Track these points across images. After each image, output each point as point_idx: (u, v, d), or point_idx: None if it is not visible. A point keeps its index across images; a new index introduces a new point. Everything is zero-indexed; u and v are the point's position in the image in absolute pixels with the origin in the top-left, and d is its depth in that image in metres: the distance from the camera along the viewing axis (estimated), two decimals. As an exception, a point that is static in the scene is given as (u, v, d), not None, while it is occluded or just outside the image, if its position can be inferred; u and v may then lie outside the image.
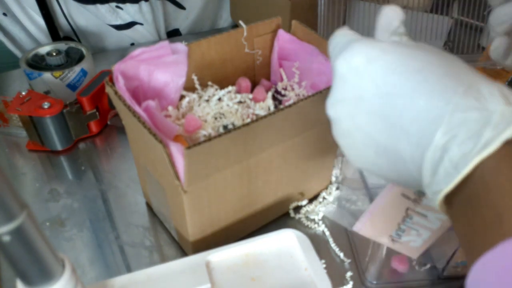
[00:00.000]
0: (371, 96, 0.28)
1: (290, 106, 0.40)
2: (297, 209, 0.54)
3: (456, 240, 0.45)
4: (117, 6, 0.79)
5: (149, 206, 0.55)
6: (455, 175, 0.25)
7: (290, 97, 0.53)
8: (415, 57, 0.28)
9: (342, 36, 0.32)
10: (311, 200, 0.55)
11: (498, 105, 0.25)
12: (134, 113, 0.40)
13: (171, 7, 0.86)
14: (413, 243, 0.39)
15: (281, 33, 0.54)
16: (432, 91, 0.26)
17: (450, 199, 0.27)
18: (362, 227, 0.38)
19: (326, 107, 0.32)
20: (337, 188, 0.57)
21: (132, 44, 0.88)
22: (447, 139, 0.25)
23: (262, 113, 0.51)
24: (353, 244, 0.51)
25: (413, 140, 0.27)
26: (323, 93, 0.42)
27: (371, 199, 0.44)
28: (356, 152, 0.31)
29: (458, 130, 0.25)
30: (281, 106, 0.41)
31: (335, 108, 0.31)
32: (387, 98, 0.28)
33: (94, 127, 0.64)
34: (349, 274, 0.48)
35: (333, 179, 0.57)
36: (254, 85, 0.57)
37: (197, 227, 0.44)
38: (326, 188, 0.57)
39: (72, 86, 0.65)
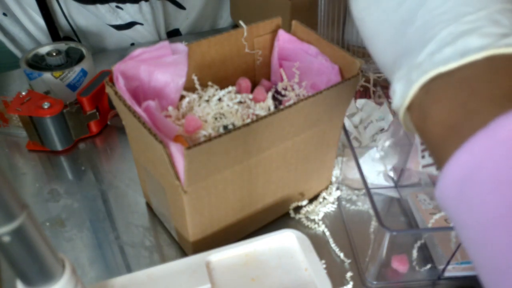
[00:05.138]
0: None
1: (290, 106, 0.40)
2: (297, 209, 0.54)
3: (456, 240, 0.45)
4: (117, 6, 0.79)
5: (149, 206, 0.55)
6: (457, 59, 0.24)
7: (290, 97, 0.53)
8: None
9: None
10: (311, 200, 0.55)
11: None
12: (134, 113, 0.40)
13: (171, 7, 0.86)
14: None
15: (281, 33, 0.53)
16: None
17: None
18: None
19: None
20: (337, 188, 0.57)
21: (132, 44, 0.88)
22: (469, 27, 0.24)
23: (262, 113, 0.51)
24: (353, 244, 0.51)
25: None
26: (323, 93, 0.42)
27: (371, 199, 0.44)
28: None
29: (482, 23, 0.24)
30: (281, 106, 0.41)
31: None
32: None
33: (94, 127, 0.64)
34: (349, 274, 0.48)
35: (333, 179, 0.57)
36: (254, 85, 0.57)
37: (197, 227, 0.44)
38: (326, 188, 0.57)
39: (72, 86, 0.65)
